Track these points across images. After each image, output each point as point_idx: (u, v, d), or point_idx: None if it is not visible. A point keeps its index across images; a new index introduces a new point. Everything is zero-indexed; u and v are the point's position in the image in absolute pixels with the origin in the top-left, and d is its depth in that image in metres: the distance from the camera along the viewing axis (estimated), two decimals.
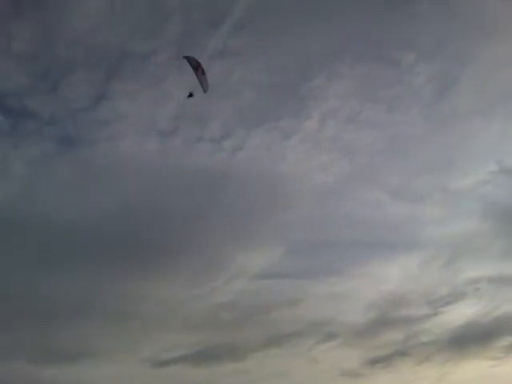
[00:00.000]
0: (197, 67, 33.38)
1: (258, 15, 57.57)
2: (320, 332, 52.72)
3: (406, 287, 56.18)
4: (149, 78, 58.03)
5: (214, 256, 55.29)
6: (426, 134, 62.93)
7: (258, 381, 48.99)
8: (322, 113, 62.41)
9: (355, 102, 63.83)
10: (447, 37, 59.62)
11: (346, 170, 62.54)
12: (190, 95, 35.52)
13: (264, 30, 59.63)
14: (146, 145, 59.42)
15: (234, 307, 52.95)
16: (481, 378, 49.79)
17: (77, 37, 54.05)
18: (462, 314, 54.29)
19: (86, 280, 49.86)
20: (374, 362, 51.25)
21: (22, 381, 43.94)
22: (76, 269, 50.21)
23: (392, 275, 57.27)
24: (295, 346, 51.59)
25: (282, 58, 60.92)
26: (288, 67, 61.62)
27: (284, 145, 63.13)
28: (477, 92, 61.21)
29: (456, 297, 54.96)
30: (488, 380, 49.31)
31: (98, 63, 56.37)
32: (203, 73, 33.68)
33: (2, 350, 44.41)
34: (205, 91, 34.34)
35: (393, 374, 50.94)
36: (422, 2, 59.38)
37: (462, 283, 55.74)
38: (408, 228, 59.98)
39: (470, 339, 52.17)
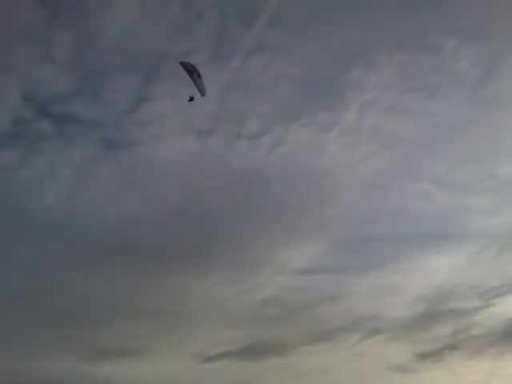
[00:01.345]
0: (192, 72, 33.77)
1: (292, 9, 57.20)
2: (365, 327, 52.23)
3: (455, 279, 54.84)
4: (186, 78, 58.66)
5: (256, 252, 55.65)
6: (471, 121, 61.02)
7: (303, 376, 48.81)
8: (361, 104, 61.53)
9: (395, 91, 62.66)
10: (490, 19, 57.05)
11: (388, 162, 61.34)
12: (191, 99, 35.85)
13: (299, 24, 59.18)
14: (186, 144, 60.37)
15: (277, 303, 53.17)
16: None
17: (115, 42, 55.70)
18: None
19: (134, 278, 51.34)
20: (423, 357, 50.34)
21: (74, 378, 45.50)
22: (124, 268, 51.77)
23: (440, 268, 55.96)
24: (340, 341, 51.40)
25: (318, 50, 60.41)
26: (324, 60, 61.00)
27: (323, 138, 62.64)
28: None
29: (508, 288, 53.04)
30: None
31: (137, 66, 57.83)
32: (199, 77, 34.06)
33: (55, 348, 46.59)
34: (202, 95, 34.76)
35: (443, 368, 49.88)
36: None
37: None
38: (456, 219, 58.43)
39: None
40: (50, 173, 56.35)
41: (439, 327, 52.04)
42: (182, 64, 33.80)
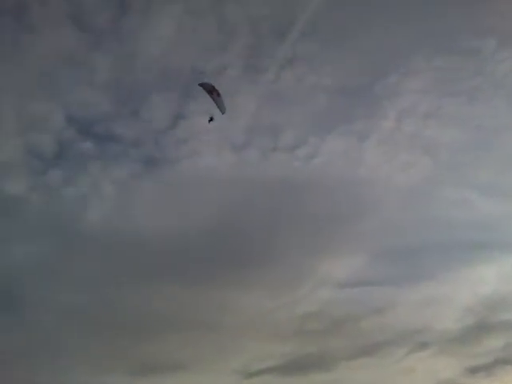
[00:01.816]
0: (211, 91, 34.42)
1: (325, 19, 57.26)
2: (412, 340, 50.62)
3: (504, 290, 52.72)
4: (222, 93, 59.56)
5: (297, 264, 55.02)
6: None
7: None
8: (398, 111, 60.93)
9: (433, 96, 61.83)
10: None
11: (429, 169, 60.37)
12: (211, 119, 36.58)
13: (331, 33, 59.39)
14: (223, 158, 61.14)
15: (320, 316, 52.31)
16: None
17: (152, 62, 57.20)
18: None
19: (175, 293, 51.73)
20: (474, 371, 48.27)
21: None
22: (166, 282, 52.29)
23: (488, 277, 53.93)
24: (387, 356, 49.85)
25: (352, 59, 60.25)
26: (359, 68, 60.79)
27: (361, 147, 62.10)
28: None
29: None
30: None
31: (174, 85, 59.03)
32: (218, 95, 34.67)
33: (100, 363, 47.22)
34: (222, 113, 35.39)
35: (495, 383, 47.68)
36: None
37: None
38: (502, 226, 56.17)
39: None
40: (93, 191, 57.92)
41: (490, 340, 49.95)
42: (202, 85, 34.58)
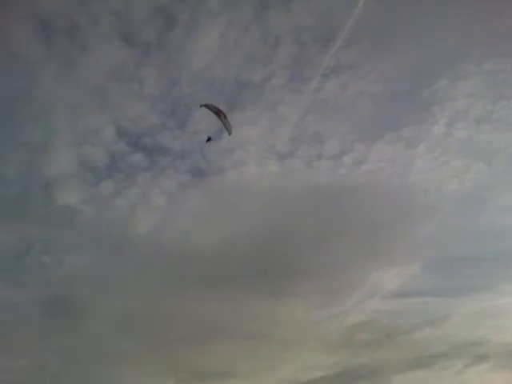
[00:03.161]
0: (218, 112, 34.91)
1: (369, 25, 56.58)
2: (469, 353, 48.56)
3: None
4: (266, 104, 60.18)
5: (346, 275, 54.20)
6: None
7: None
8: (449, 116, 59.19)
9: (486, 100, 59.45)
10: None
11: (483, 175, 58.11)
12: (209, 139, 37.19)
13: (377, 40, 58.68)
14: (269, 168, 61.02)
15: (371, 327, 51.22)
16: None
17: (197, 74, 58.41)
18: None
19: (224, 303, 51.90)
20: None
21: None
22: (216, 292, 52.46)
23: None
24: (442, 369, 47.96)
25: (400, 64, 59.18)
26: (407, 73, 59.83)
27: (410, 154, 60.53)
28: None
29: None
30: None
31: (218, 96, 59.82)
32: (225, 117, 35.15)
33: (151, 369, 47.94)
34: (229, 133, 35.75)
35: None
36: None
37: None
38: None
39: None
40: (143, 202, 59.30)
41: None
42: (206, 106, 35.15)
